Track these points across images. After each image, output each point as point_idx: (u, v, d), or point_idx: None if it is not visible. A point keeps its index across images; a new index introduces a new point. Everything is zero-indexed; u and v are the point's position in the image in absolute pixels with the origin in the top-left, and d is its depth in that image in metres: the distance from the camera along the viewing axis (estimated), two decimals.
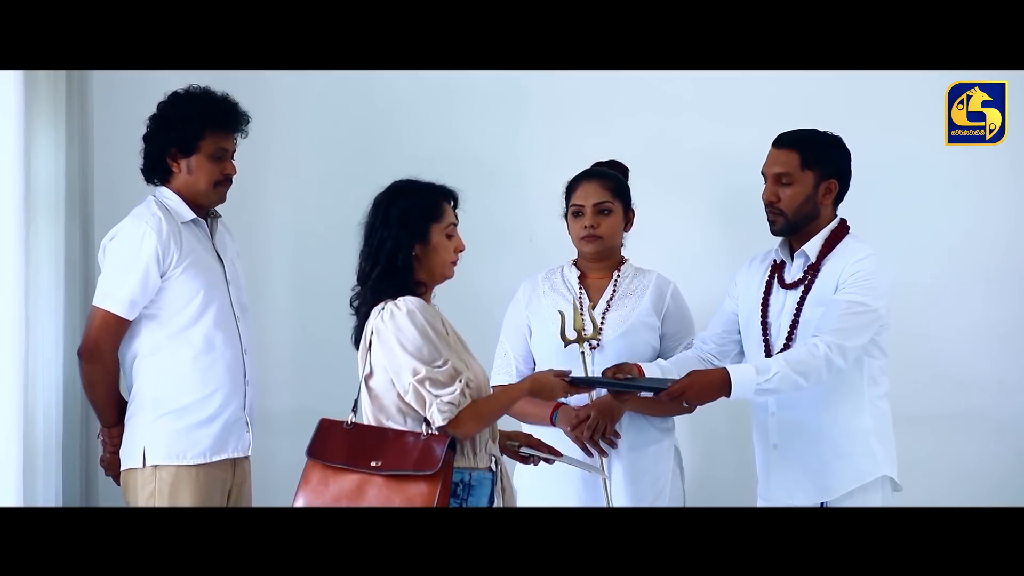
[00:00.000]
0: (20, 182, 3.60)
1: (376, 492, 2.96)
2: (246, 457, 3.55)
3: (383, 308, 3.04)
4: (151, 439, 3.42)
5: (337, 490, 2.99)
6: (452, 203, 3.16)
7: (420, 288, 3.10)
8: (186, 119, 3.47)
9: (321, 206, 4.37)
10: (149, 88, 4.05)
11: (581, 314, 3.48)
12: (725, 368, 3.32)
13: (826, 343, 3.29)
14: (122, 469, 3.47)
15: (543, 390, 3.17)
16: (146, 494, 3.41)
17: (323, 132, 4.39)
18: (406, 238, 3.08)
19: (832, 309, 3.35)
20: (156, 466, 3.41)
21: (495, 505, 3.07)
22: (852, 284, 3.36)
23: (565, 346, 3.47)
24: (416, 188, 3.14)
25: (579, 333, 3.46)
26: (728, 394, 3.28)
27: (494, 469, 3.08)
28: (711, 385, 3.29)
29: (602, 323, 3.58)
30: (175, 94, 3.52)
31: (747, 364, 3.35)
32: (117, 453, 3.49)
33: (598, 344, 3.56)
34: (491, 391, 3.16)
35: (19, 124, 3.59)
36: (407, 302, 3.03)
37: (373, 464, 2.97)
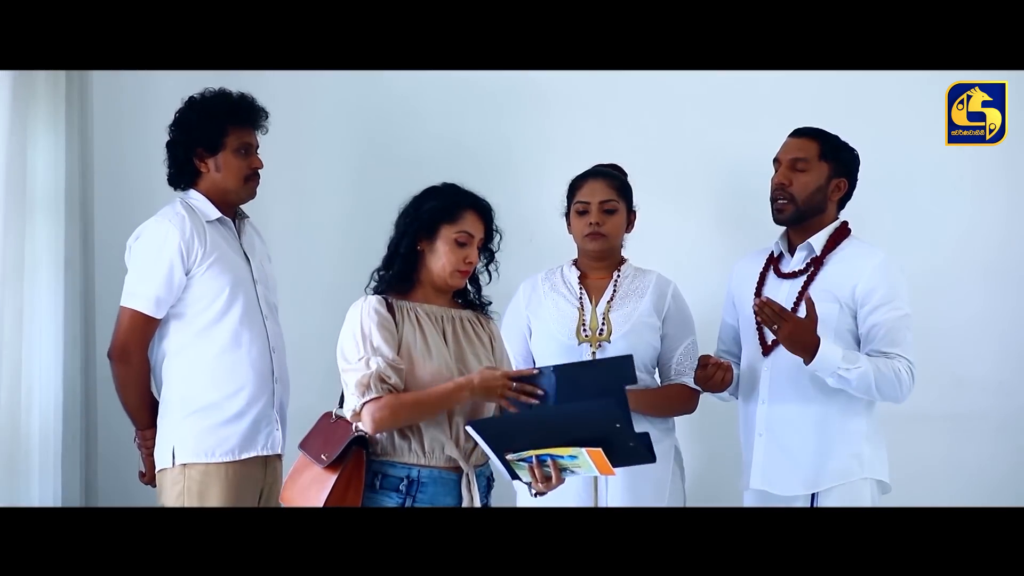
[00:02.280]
0: (19, 182, 3.60)
1: (316, 482, 3.02)
2: (278, 457, 3.53)
3: None
4: (179, 438, 3.40)
5: (301, 480, 3.07)
6: (481, 216, 3.14)
7: (413, 287, 3.13)
8: (208, 117, 3.48)
9: (322, 206, 4.37)
10: (149, 88, 4.06)
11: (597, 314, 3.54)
12: (820, 338, 3.31)
13: (906, 368, 3.34)
14: (156, 471, 3.46)
15: (486, 389, 3.00)
16: (175, 493, 3.39)
17: (323, 132, 4.39)
18: (413, 229, 3.12)
19: (882, 326, 3.36)
20: (185, 464, 3.39)
21: (463, 505, 3.04)
22: (885, 294, 3.38)
23: (579, 344, 3.51)
24: (445, 191, 3.16)
25: (594, 332, 3.51)
26: (809, 361, 3.30)
27: (463, 469, 3.06)
28: (805, 345, 3.29)
29: (602, 323, 3.58)
30: (192, 98, 3.53)
31: (838, 347, 3.33)
32: (152, 456, 3.47)
33: (599, 345, 3.56)
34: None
35: (18, 124, 3.59)
36: (363, 300, 3.08)
37: (322, 457, 3.03)
